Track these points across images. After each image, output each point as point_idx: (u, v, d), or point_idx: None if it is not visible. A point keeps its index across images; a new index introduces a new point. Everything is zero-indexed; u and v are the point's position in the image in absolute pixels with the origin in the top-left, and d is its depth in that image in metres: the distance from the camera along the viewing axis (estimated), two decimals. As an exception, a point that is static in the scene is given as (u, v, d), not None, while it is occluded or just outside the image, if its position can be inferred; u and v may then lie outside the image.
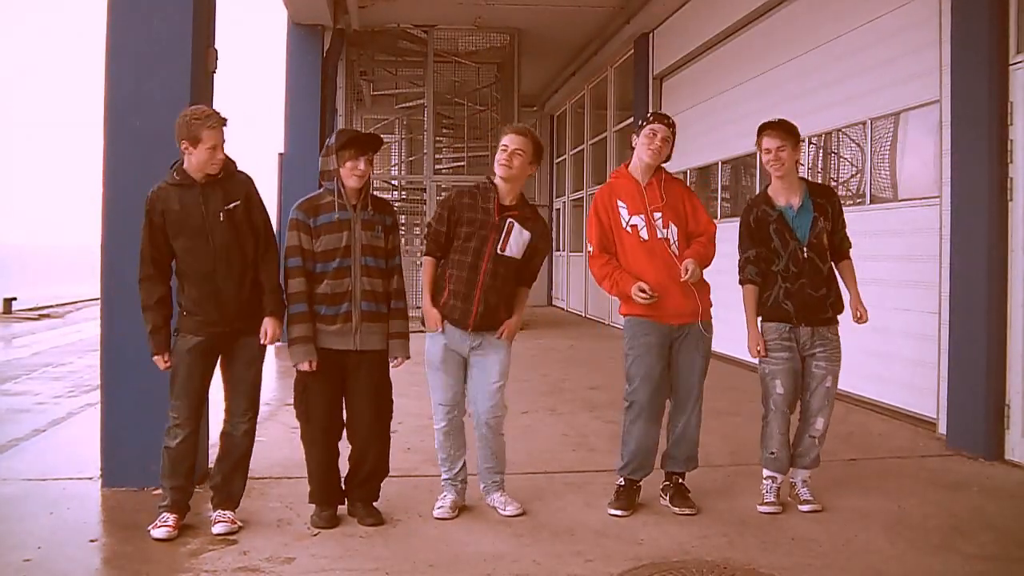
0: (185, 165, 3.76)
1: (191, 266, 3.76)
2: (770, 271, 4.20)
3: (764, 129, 4.21)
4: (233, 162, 3.88)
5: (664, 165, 4.27)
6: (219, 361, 3.88)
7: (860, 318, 4.26)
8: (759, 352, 4.21)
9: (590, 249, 4.25)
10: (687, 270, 4.00)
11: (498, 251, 4.00)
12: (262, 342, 3.87)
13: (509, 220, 4.02)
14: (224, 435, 3.94)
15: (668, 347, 4.13)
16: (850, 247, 4.34)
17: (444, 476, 4.17)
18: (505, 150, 4.01)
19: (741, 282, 4.28)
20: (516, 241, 4.04)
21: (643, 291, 3.98)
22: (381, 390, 3.99)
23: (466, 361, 4.08)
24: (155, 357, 3.77)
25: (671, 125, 4.19)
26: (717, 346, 4.35)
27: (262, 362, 3.96)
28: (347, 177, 3.87)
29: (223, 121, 3.76)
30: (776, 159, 4.16)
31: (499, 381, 4.08)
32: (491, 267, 3.99)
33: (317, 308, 3.87)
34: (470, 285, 3.99)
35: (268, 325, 3.85)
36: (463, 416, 4.16)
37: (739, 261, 4.30)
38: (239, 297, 3.79)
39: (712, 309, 4.19)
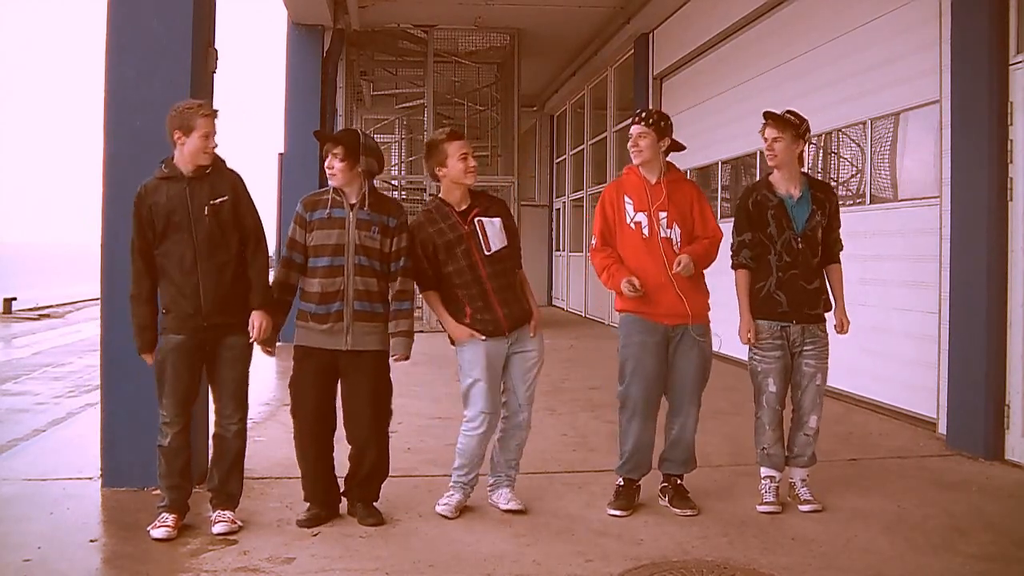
0: (176, 159, 3.77)
1: (173, 259, 3.74)
2: (764, 260, 4.18)
3: (764, 118, 4.22)
4: (221, 158, 3.88)
5: (671, 161, 4.26)
6: (206, 363, 3.86)
7: (842, 328, 4.25)
8: (749, 340, 4.20)
9: (593, 242, 4.26)
10: (679, 263, 3.99)
11: (485, 254, 4.01)
12: (251, 336, 3.84)
13: (476, 219, 4.05)
14: (216, 437, 3.94)
15: (666, 347, 4.13)
16: (841, 250, 4.32)
17: (456, 479, 4.14)
18: (466, 158, 4.06)
19: (734, 266, 4.25)
20: (494, 234, 4.06)
21: (632, 285, 3.98)
22: (378, 391, 3.95)
23: (505, 361, 4.10)
24: (142, 355, 3.78)
25: (646, 119, 4.15)
26: (716, 346, 4.34)
27: (248, 362, 3.93)
28: (328, 176, 3.91)
29: (215, 112, 3.79)
30: (769, 149, 4.18)
31: (536, 356, 4.14)
32: (489, 271, 4.01)
33: (308, 307, 3.88)
34: (484, 298, 4.00)
35: (256, 318, 3.83)
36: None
37: (732, 245, 4.25)
38: (218, 293, 3.76)
39: (709, 313, 4.18)
